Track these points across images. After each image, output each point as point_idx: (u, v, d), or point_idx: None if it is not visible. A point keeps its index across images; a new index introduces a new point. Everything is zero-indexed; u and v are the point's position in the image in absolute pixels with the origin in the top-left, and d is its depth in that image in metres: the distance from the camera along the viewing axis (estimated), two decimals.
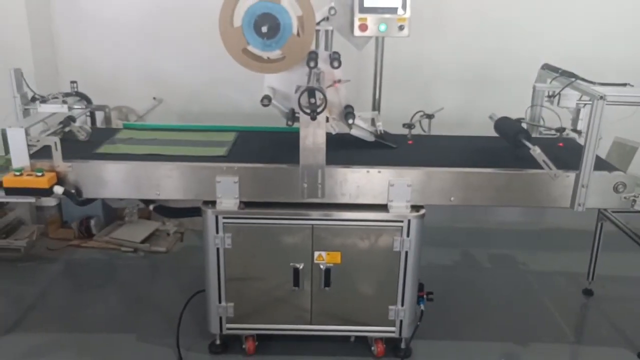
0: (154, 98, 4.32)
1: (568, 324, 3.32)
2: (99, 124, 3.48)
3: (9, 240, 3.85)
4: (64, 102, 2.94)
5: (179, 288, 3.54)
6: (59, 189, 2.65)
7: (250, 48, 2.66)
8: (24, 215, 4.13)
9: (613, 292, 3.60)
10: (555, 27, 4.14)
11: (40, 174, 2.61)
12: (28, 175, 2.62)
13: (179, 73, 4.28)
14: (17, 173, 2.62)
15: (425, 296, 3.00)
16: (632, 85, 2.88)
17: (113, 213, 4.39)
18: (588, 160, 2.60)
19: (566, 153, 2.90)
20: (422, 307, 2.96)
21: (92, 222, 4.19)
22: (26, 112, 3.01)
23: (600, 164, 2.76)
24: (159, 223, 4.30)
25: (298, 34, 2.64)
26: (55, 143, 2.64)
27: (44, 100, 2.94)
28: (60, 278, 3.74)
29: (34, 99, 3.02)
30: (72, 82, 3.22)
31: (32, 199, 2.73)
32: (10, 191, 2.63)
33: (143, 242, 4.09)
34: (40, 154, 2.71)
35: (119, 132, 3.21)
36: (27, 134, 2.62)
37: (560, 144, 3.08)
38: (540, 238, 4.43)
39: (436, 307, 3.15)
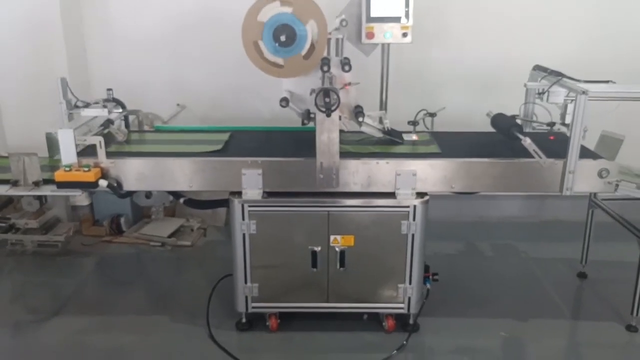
0: (178, 104, 4.67)
1: (564, 302, 3.61)
2: (131, 127, 3.83)
3: (48, 236, 4.20)
4: (105, 106, 3.29)
5: (205, 277, 3.85)
6: (103, 182, 2.98)
7: (269, 55, 3.00)
8: (60, 214, 4.47)
9: (606, 275, 3.88)
10: (548, 34, 4.46)
11: (87, 169, 2.96)
12: (76, 170, 2.97)
13: (201, 81, 4.64)
14: (67, 169, 2.96)
15: (431, 277, 3.29)
16: (614, 83, 3.20)
17: (140, 211, 4.72)
18: (574, 149, 2.92)
19: (556, 145, 3.18)
20: (428, 286, 3.26)
21: (122, 219, 4.52)
22: (70, 117, 3.34)
23: (586, 153, 3.06)
24: (183, 220, 4.63)
25: (312, 42, 2.97)
26: (100, 142, 2.99)
27: (87, 105, 3.28)
28: (95, 270, 4.08)
29: (76, 105, 3.37)
30: (109, 89, 3.55)
31: (79, 192, 3.06)
32: (61, 185, 2.97)
33: (170, 237, 4.42)
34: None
35: None
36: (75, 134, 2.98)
37: (552, 137, 3.38)
38: (539, 229, 4.73)
39: (442, 289, 3.45)
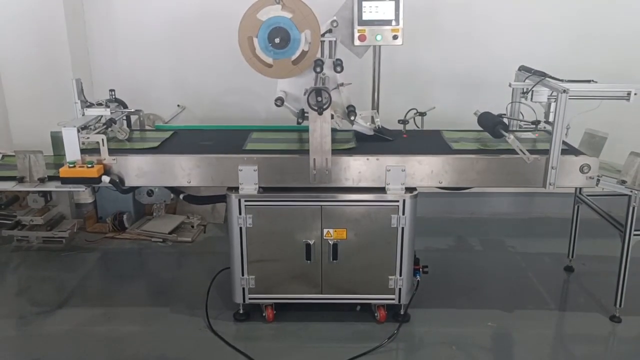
0: (178, 105, 4.82)
1: (550, 294, 3.73)
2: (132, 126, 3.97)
3: (53, 232, 4.34)
4: (107, 106, 3.43)
5: (204, 271, 3.98)
6: (106, 178, 3.12)
7: (264, 57, 3.13)
8: (65, 211, 4.61)
9: (591, 269, 4.01)
10: (534, 36, 4.61)
11: (90, 165, 3.10)
12: (80, 167, 3.11)
13: (201, 82, 4.79)
14: (71, 165, 3.10)
15: (420, 269, 3.42)
16: (596, 82, 3.33)
17: (142, 209, 4.86)
18: (556, 145, 3.04)
19: (540, 142, 3.34)
20: (418, 278, 3.38)
21: (125, 216, 4.65)
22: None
23: (569, 150, 3.19)
24: (183, 217, 4.77)
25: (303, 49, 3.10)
26: (103, 140, 3.13)
27: (90, 105, 3.43)
28: (99, 264, 4.21)
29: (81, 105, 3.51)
30: (111, 90, 3.70)
31: (82, 188, 3.20)
32: (66, 180, 3.11)
33: (170, 233, 4.56)
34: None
35: None
36: (79, 131, 3.12)
37: (536, 135, 3.51)
38: (529, 226, 4.87)
39: (433, 281, 3.59)
